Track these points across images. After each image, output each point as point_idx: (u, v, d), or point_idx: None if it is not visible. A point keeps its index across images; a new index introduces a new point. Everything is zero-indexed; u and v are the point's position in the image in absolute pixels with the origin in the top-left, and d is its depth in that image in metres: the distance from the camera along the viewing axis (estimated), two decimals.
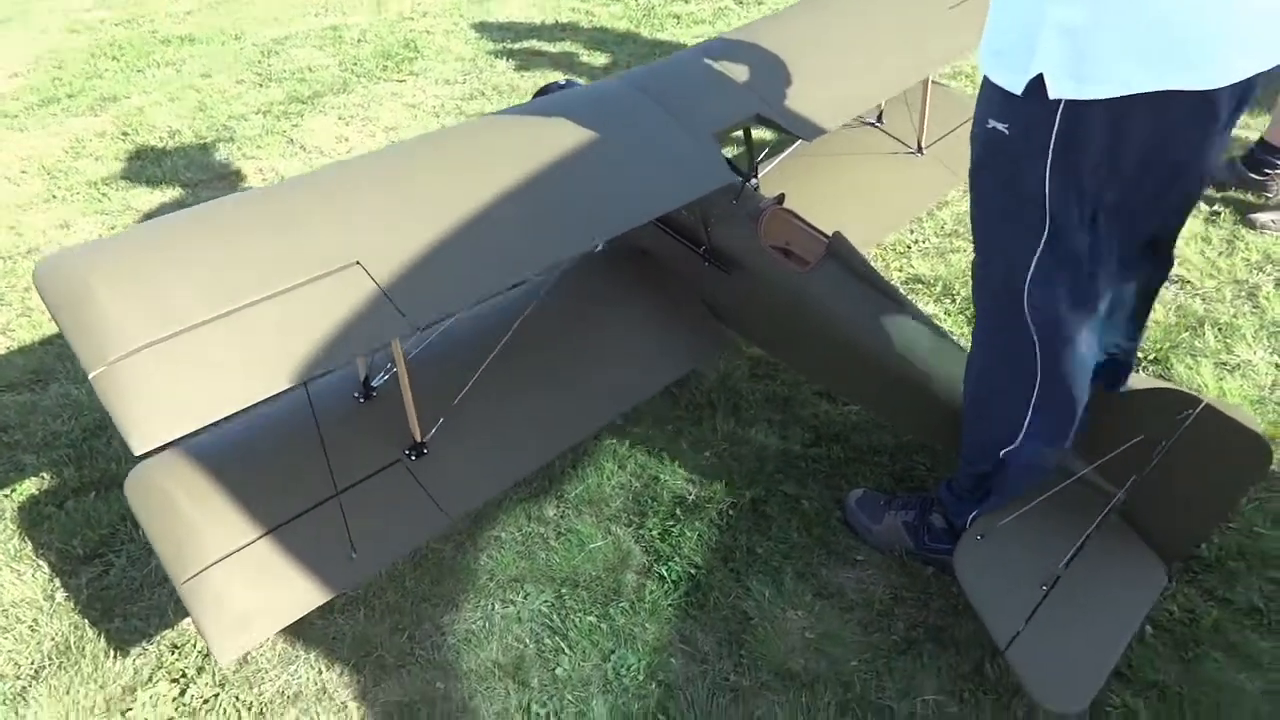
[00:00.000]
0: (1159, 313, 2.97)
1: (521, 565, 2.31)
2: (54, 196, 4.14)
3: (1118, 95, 1.46)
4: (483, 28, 5.83)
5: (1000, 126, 1.64)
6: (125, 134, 4.69)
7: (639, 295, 2.62)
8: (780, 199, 2.52)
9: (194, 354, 1.61)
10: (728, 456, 2.59)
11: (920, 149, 3.30)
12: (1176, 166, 1.58)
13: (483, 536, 2.38)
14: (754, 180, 2.61)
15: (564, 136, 2.19)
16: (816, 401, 2.76)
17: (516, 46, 5.53)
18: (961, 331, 2.94)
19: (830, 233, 2.41)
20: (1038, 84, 1.51)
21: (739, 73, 2.53)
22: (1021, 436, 1.95)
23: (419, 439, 2.12)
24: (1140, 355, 2.81)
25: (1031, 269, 1.72)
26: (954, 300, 3.14)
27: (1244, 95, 1.52)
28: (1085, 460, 2.01)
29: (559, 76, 5.09)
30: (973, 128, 1.74)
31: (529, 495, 2.48)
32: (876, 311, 2.30)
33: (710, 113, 2.40)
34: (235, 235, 1.84)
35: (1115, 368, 1.96)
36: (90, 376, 1.56)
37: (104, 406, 1.54)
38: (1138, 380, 2.47)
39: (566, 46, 5.49)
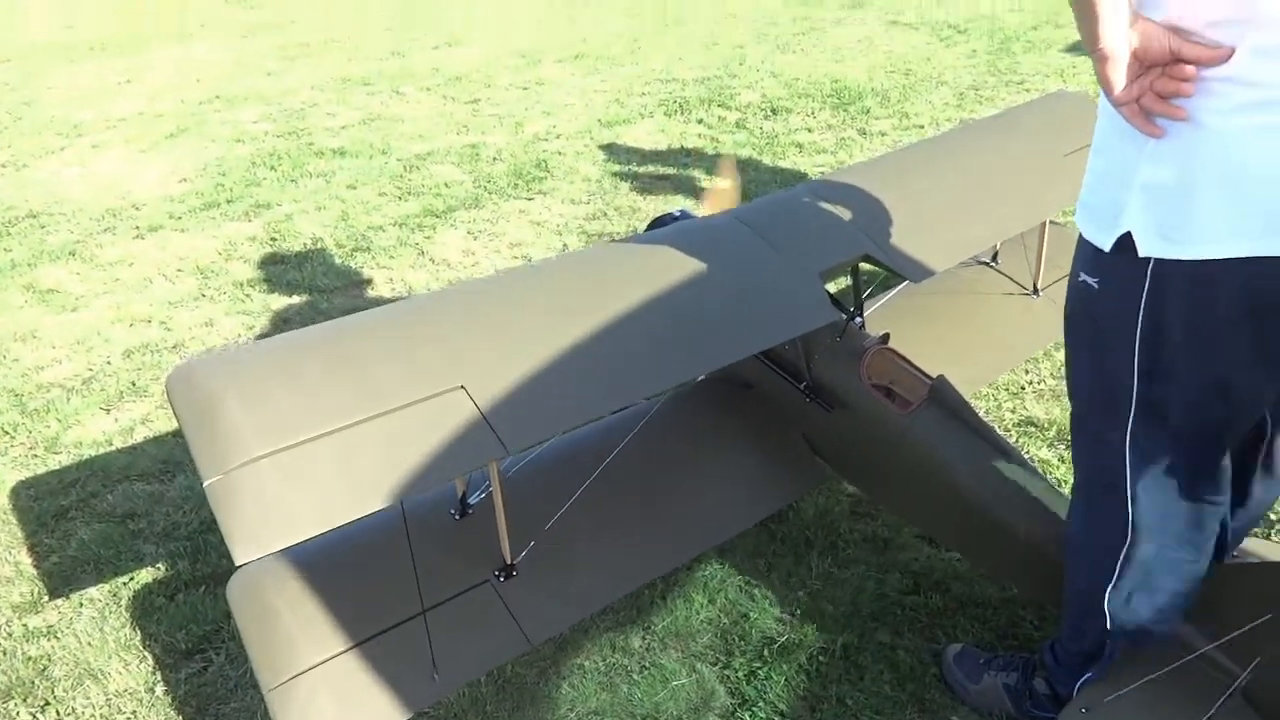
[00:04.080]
0: None
1: (603, 698, 2.28)
2: (203, 295, 4.45)
3: (1207, 258, 1.42)
4: (611, 150, 6.07)
5: (1090, 281, 1.62)
6: (273, 239, 5.02)
7: (739, 427, 2.63)
8: (885, 338, 2.51)
9: (301, 469, 1.69)
10: (821, 598, 2.52)
11: (1036, 290, 3.24)
12: (1261, 331, 1.51)
13: (566, 664, 2.37)
14: (859, 318, 2.61)
15: (671, 269, 2.25)
16: (918, 545, 2.68)
17: (641, 170, 5.72)
18: None
19: (935, 374, 2.38)
20: (1127, 241, 1.49)
21: (848, 212, 2.55)
22: (1121, 605, 1.85)
23: (509, 561, 2.15)
24: (1272, 516, 2.64)
25: (1127, 433, 1.67)
26: (1068, 446, 3.01)
27: None
28: (1204, 634, 1.89)
29: (681, 199, 5.24)
30: (1069, 278, 1.73)
31: (615, 624, 2.47)
32: (979, 458, 2.24)
33: (817, 251, 2.43)
34: (351, 355, 1.94)
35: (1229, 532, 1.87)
36: (205, 484, 1.65)
37: (214, 514, 1.62)
38: (1263, 548, 2.33)
39: (689, 171, 5.66)
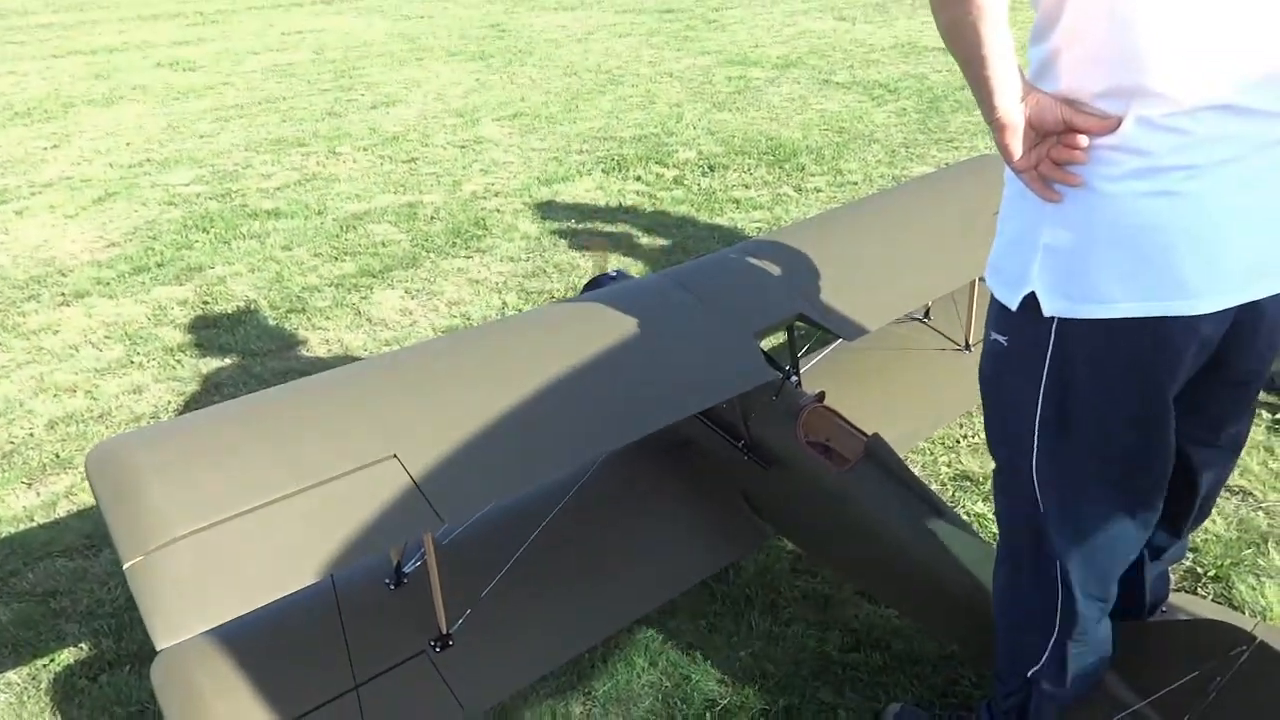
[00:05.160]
0: (1219, 526, 2.86)
1: None
2: (131, 362, 4.34)
3: (1104, 317, 1.48)
4: (549, 208, 6.10)
5: (1000, 338, 1.67)
6: (205, 303, 4.94)
7: (678, 486, 2.62)
8: (820, 396, 2.54)
9: (226, 547, 1.64)
10: (763, 658, 2.51)
11: (967, 346, 3.31)
12: (1159, 386, 1.58)
13: None
14: (795, 377, 2.64)
15: (607, 332, 2.25)
16: (858, 602, 2.69)
17: (580, 227, 5.76)
18: None
19: (870, 431, 2.41)
20: (1032, 300, 1.55)
21: (782, 272, 2.59)
22: (1044, 658, 1.87)
23: (444, 630, 2.11)
24: (1199, 570, 2.70)
25: (1036, 485, 1.72)
26: None
27: (1242, 320, 1.53)
28: (1135, 690, 1.91)
29: (619, 257, 5.28)
30: (984, 336, 1.78)
31: (555, 690, 2.43)
32: (913, 516, 2.27)
33: (752, 311, 2.46)
34: (279, 426, 1.90)
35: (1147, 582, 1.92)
36: (125, 567, 1.59)
37: (134, 597, 1.57)
38: (1190, 603, 2.38)
39: (628, 228, 5.71)
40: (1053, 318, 1.55)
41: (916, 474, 2.53)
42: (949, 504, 2.53)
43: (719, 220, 5.78)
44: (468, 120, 8.30)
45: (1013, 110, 1.47)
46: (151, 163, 7.37)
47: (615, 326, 2.28)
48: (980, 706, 2.12)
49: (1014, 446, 1.76)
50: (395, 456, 1.83)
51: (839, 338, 2.62)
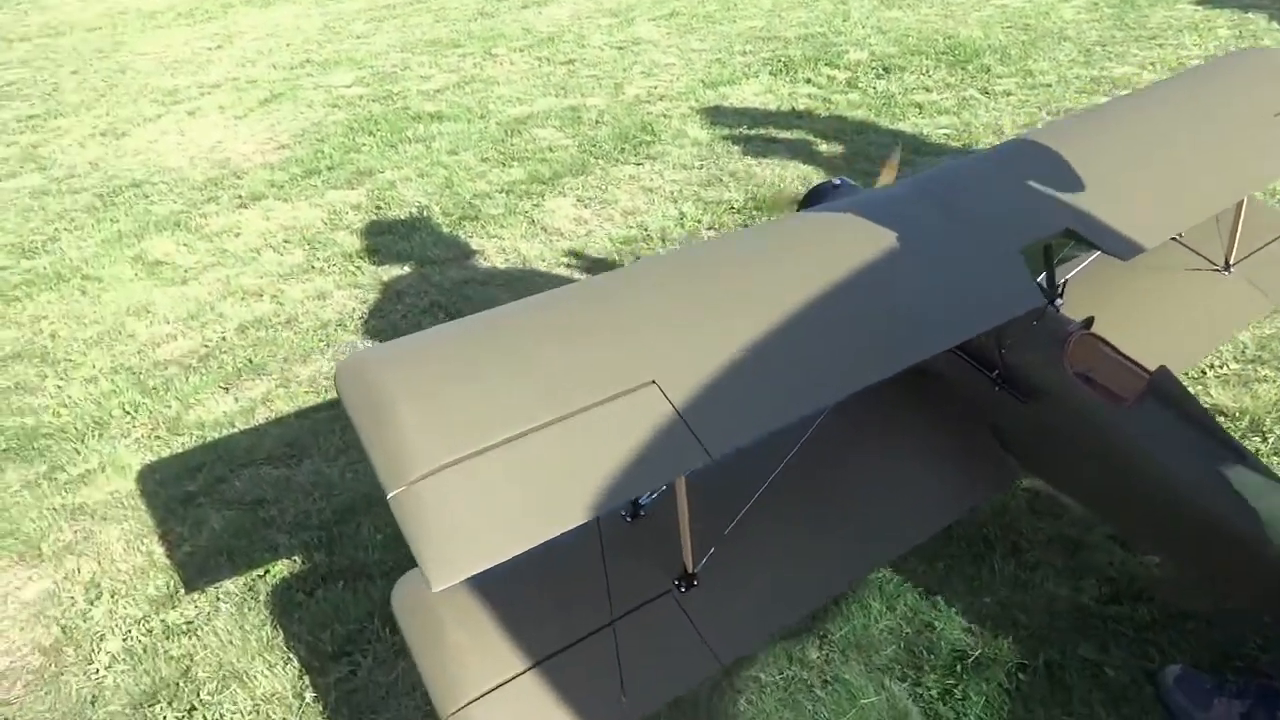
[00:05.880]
0: None
1: (785, 716, 2.10)
2: (313, 267, 4.33)
3: None
4: (717, 113, 5.81)
5: None
6: (378, 208, 4.89)
7: (924, 421, 2.39)
8: (1089, 323, 2.26)
9: (489, 480, 1.51)
10: (1011, 606, 2.30)
11: (1228, 266, 2.93)
12: None
13: (740, 676, 2.19)
14: (1059, 300, 2.36)
15: (860, 250, 2.03)
16: (1110, 547, 2.44)
17: (752, 133, 5.46)
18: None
19: (1141, 361, 2.14)
20: None
21: (1042, 181, 2.29)
22: None
23: (690, 569, 1.97)
24: None
25: None
26: (1264, 439, 2.75)
27: None
28: None
29: (796, 163, 4.98)
30: None
31: (790, 632, 2.28)
32: (1209, 460, 1.99)
33: (1014, 226, 2.18)
34: (529, 347, 1.75)
35: None
36: (389, 496, 1.48)
37: (401, 530, 1.46)
38: None
39: (802, 134, 5.38)
40: None
41: None
42: None
43: (901, 126, 5.39)
44: (623, 20, 7.99)
45: None
46: (312, 64, 7.36)
47: (864, 244, 2.04)
48: None
49: None
50: (654, 383, 1.67)
51: (1086, 255, 2.33)
